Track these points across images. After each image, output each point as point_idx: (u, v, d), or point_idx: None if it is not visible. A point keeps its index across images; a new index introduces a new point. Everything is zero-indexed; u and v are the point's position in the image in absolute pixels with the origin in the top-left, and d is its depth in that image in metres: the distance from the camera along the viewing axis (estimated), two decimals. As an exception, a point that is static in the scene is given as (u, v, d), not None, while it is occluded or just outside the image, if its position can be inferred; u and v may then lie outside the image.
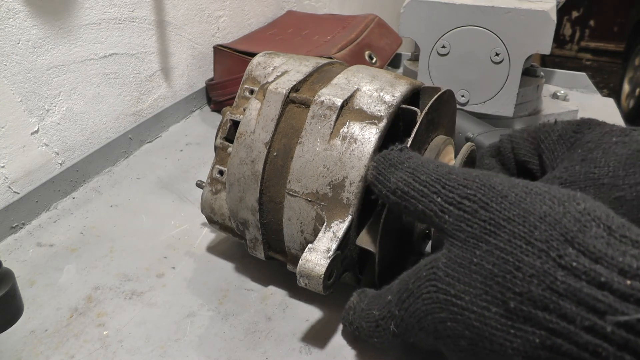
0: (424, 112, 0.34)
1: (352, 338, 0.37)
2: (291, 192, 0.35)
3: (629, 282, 0.19)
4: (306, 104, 0.36)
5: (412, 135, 0.33)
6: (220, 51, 0.76)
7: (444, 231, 0.26)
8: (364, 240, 0.34)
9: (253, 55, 0.44)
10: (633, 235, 0.21)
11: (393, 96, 0.35)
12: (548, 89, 0.79)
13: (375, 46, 0.80)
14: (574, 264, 0.20)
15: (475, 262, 0.24)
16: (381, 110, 0.34)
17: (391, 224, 0.34)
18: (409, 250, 0.38)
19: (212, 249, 0.47)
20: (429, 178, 0.28)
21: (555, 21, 0.57)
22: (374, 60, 0.77)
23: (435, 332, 0.26)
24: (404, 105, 0.35)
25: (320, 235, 0.34)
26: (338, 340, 0.37)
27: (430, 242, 0.39)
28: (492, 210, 0.24)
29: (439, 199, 0.27)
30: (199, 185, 0.44)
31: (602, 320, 0.19)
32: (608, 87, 3.13)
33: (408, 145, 0.33)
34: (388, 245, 0.34)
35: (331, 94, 0.35)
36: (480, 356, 0.23)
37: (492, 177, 0.26)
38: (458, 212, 0.26)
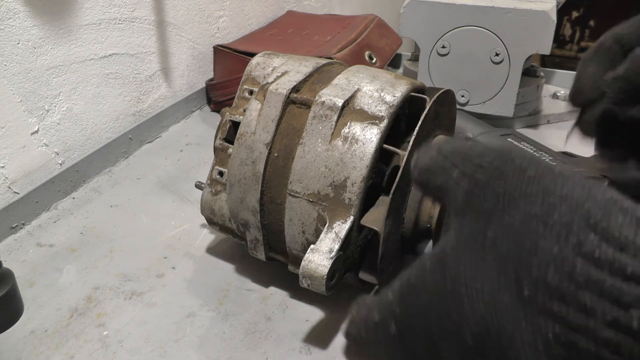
0: (433, 100, 0.35)
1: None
2: (292, 193, 0.35)
3: None
4: (307, 105, 0.36)
5: (420, 122, 0.34)
6: (220, 51, 0.76)
7: (455, 209, 0.25)
8: (369, 220, 0.34)
9: (253, 55, 0.44)
10: None
11: (394, 96, 0.35)
12: (548, 89, 0.79)
13: (375, 46, 0.80)
14: (597, 251, 0.18)
15: (486, 245, 0.22)
16: (382, 110, 0.34)
17: (395, 211, 0.34)
18: (408, 250, 0.38)
19: (212, 249, 0.47)
20: (452, 151, 0.26)
21: (555, 21, 0.57)
22: (374, 61, 0.77)
23: (439, 328, 0.25)
24: (413, 94, 0.36)
25: (322, 235, 0.34)
26: (338, 340, 0.37)
27: (430, 242, 0.39)
28: (508, 183, 0.22)
29: (455, 171, 0.25)
30: (198, 186, 0.44)
31: (628, 314, 0.17)
32: (608, 87, 3.13)
33: (415, 133, 0.34)
34: (391, 229, 0.34)
35: (332, 95, 0.35)
36: (485, 356, 0.23)
37: (513, 150, 0.24)
38: (469, 186, 0.24)
